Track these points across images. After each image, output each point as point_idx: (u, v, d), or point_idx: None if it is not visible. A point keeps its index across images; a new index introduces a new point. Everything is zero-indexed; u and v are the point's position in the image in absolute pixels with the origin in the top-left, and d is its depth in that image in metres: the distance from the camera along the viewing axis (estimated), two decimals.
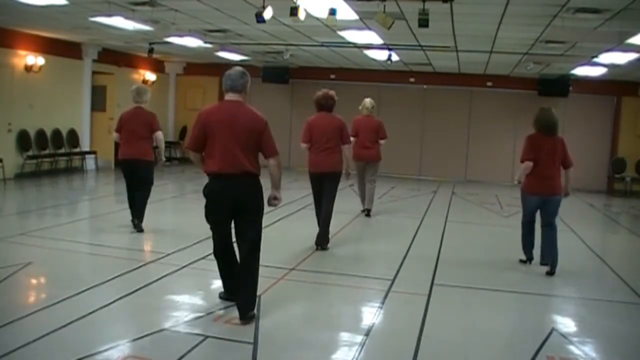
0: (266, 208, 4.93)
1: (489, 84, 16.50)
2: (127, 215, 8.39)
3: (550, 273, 6.70)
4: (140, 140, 7.77)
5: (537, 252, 7.06)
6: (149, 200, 8.15)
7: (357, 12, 8.24)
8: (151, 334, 4.36)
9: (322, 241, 7.34)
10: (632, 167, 15.60)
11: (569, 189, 6.90)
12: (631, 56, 10.30)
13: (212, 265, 5.39)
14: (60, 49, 13.45)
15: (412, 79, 16.87)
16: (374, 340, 4.53)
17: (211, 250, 5.05)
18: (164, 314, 4.87)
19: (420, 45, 11.37)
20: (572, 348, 4.55)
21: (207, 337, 4.37)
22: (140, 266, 6.23)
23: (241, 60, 15.16)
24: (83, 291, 5.22)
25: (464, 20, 8.54)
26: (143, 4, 8.51)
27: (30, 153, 12.75)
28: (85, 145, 14.56)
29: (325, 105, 7.41)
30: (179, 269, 6.14)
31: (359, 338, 4.52)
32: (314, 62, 15.86)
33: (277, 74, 16.70)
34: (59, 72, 13.51)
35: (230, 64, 16.71)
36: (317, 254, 7.21)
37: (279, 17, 8.23)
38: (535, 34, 9.33)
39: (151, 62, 16.64)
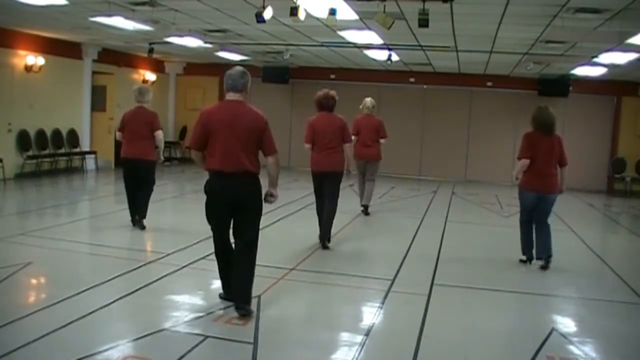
0: (266, 207, 4.95)
1: (489, 84, 16.50)
2: (127, 215, 8.41)
3: (544, 267, 6.84)
4: (142, 140, 7.83)
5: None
6: (149, 200, 8.24)
7: (357, 12, 8.24)
8: (151, 334, 4.35)
9: (325, 237, 7.45)
10: (632, 167, 15.60)
11: (563, 187, 7.02)
12: (631, 56, 10.30)
13: (212, 265, 5.40)
14: (60, 49, 13.45)
15: (412, 79, 16.87)
16: (374, 340, 4.53)
17: (211, 250, 5.08)
18: (164, 314, 4.87)
19: (420, 45, 11.37)
20: (572, 348, 4.55)
21: (207, 337, 4.37)
22: (140, 266, 6.22)
23: (241, 60, 15.16)
24: (83, 291, 5.22)
25: (464, 20, 8.54)
26: (143, 4, 8.51)
27: (30, 153, 12.75)
28: (85, 145, 14.56)
29: (326, 105, 7.49)
30: (179, 269, 6.14)
31: (359, 338, 4.52)
32: (314, 62, 15.85)
33: (277, 74, 16.70)
34: (59, 72, 13.51)
35: (230, 64, 16.69)
36: (317, 254, 7.21)
37: (279, 17, 8.23)
38: (535, 34, 9.33)
39: (151, 62, 16.64)
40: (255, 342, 4.29)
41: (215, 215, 4.86)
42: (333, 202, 7.49)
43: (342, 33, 10.34)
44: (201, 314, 4.85)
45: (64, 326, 4.38)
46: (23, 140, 12.54)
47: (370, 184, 9.97)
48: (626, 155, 15.67)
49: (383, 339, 4.63)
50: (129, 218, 8.23)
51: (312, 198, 7.96)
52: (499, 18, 8.24)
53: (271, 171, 4.95)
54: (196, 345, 4.19)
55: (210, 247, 5.41)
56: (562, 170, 6.92)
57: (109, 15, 9.18)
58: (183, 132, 18.14)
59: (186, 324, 4.63)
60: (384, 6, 7.28)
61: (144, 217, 8.02)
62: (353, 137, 8.66)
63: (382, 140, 9.89)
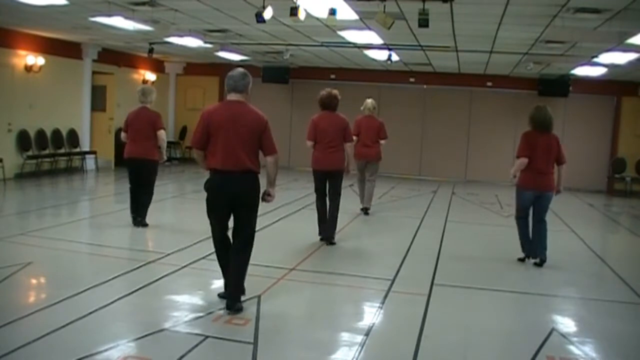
0: (266, 207, 4.97)
1: (489, 84, 16.50)
2: (127, 215, 8.42)
3: (539, 264, 6.96)
4: (145, 140, 7.94)
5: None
6: (151, 200, 8.34)
7: (357, 12, 8.23)
8: (151, 334, 4.35)
9: (329, 236, 7.60)
10: (632, 167, 15.60)
11: (561, 186, 7.10)
12: (631, 56, 10.30)
13: (212, 265, 5.40)
14: (60, 49, 13.45)
15: (412, 79, 16.87)
16: (374, 340, 4.53)
17: (211, 250, 5.14)
18: (164, 314, 4.87)
19: (420, 45, 11.37)
20: (572, 348, 4.55)
21: (207, 337, 4.37)
22: (140, 266, 6.22)
23: (241, 60, 15.16)
24: (83, 291, 5.22)
25: (464, 20, 8.54)
26: (143, 4, 8.51)
27: (30, 153, 12.75)
28: (85, 145, 14.55)
29: (329, 104, 7.65)
30: (179, 269, 6.14)
31: (359, 338, 4.52)
32: (314, 62, 15.85)
33: (277, 74, 16.70)
34: (59, 72, 13.51)
35: (230, 64, 16.74)
36: (317, 253, 7.21)
37: (279, 17, 8.23)
38: (535, 34, 9.33)
39: (151, 62, 16.64)
40: (255, 342, 4.29)
41: (216, 211, 4.97)
42: (336, 201, 7.67)
43: (342, 33, 10.34)
44: (201, 314, 4.85)
45: (64, 326, 4.38)
46: (23, 140, 12.54)
47: (371, 184, 10.04)
48: (626, 155, 15.67)
49: (383, 339, 4.63)
50: (130, 218, 8.27)
51: (312, 198, 7.98)
52: (499, 18, 8.24)
53: (270, 171, 5.05)
54: (196, 345, 4.19)
55: (210, 247, 5.43)
56: (560, 169, 7.02)
57: (109, 15, 9.18)
58: (183, 132, 18.14)
59: (186, 324, 4.63)
60: (384, 6, 7.29)
61: (144, 217, 8.15)
62: (354, 137, 8.72)
63: (382, 142, 9.98)
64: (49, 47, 13.08)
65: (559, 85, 15.36)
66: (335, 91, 7.73)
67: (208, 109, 5.02)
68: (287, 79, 16.93)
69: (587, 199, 14.23)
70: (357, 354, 4.24)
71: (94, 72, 14.76)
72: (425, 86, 17.01)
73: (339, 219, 7.81)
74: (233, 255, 5.01)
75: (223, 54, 14.16)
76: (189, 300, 5.29)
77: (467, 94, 16.84)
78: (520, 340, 4.71)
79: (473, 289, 6.09)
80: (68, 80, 13.94)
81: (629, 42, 9.04)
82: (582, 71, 13.32)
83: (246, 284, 5.31)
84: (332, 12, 7.45)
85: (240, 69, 5.01)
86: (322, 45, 12.18)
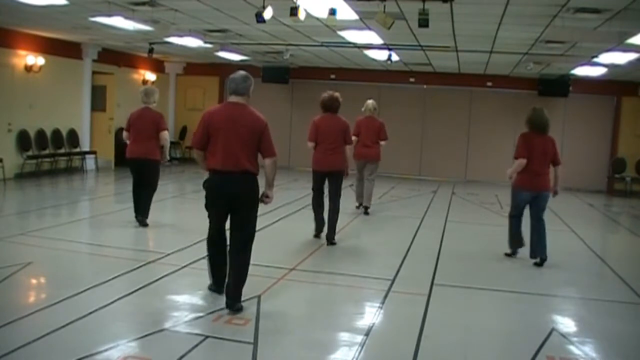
0: (266, 207, 5.00)
1: (489, 84, 16.50)
2: (127, 215, 8.44)
3: (540, 264, 7.02)
4: (147, 140, 8.00)
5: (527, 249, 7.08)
6: (152, 200, 8.39)
7: (357, 12, 8.23)
8: (151, 334, 4.36)
9: (330, 236, 7.67)
10: (632, 167, 15.59)
11: (557, 187, 7.19)
12: (631, 56, 10.30)
13: None
14: (60, 49, 13.45)
15: (412, 79, 16.87)
16: (374, 340, 4.53)
17: None
18: (164, 314, 4.87)
19: (420, 45, 11.37)
20: (572, 348, 4.56)
21: (207, 337, 4.37)
22: (140, 266, 6.23)
23: (241, 60, 15.16)
24: (83, 291, 5.22)
25: (464, 20, 8.54)
26: (143, 4, 8.51)
27: (30, 153, 12.75)
28: (85, 145, 14.55)
29: (330, 107, 7.76)
30: (179, 269, 6.14)
31: (359, 338, 4.52)
32: (314, 62, 15.85)
33: (277, 74, 16.70)
34: (59, 72, 13.51)
35: (230, 64, 16.76)
36: (317, 253, 7.22)
37: (279, 17, 8.23)
38: (535, 34, 9.33)
39: (151, 62, 16.63)
40: (255, 342, 4.30)
41: (213, 208, 5.06)
42: (336, 202, 7.75)
43: (342, 33, 10.34)
44: (201, 314, 4.86)
45: (64, 326, 4.38)
46: (23, 140, 12.54)
47: (370, 184, 10.12)
48: (626, 155, 15.67)
49: (383, 339, 4.63)
50: (130, 218, 8.32)
51: (313, 194, 8.02)
52: (499, 18, 8.24)
53: (268, 173, 5.10)
54: (196, 345, 4.20)
55: None
56: (556, 170, 7.14)
57: (109, 15, 9.18)
58: (183, 132, 18.14)
59: (186, 324, 4.63)
60: (384, 6, 7.29)
61: (147, 216, 8.20)
62: (354, 138, 8.93)
63: (382, 142, 10.09)
64: (49, 47, 13.08)
65: (559, 85, 15.36)
66: (336, 94, 7.84)
67: (209, 110, 5.12)
68: (287, 79, 16.93)
69: (587, 199, 14.23)
70: (357, 354, 4.24)
71: (94, 72, 14.76)
72: (425, 86, 17.01)
73: (339, 219, 7.84)
74: (233, 255, 5.03)
75: (223, 54, 14.16)
76: (189, 300, 5.29)
77: (467, 94, 16.84)
78: (520, 340, 4.71)
79: (473, 289, 6.09)
80: (68, 80, 13.94)
81: (629, 42, 9.04)
82: (582, 71, 13.32)
83: (246, 284, 5.32)
84: (332, 12, 7.45)
85: (242, 72, 5.12)
86: (322, 45, 12.19)
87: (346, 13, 8.07)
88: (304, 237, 7.92)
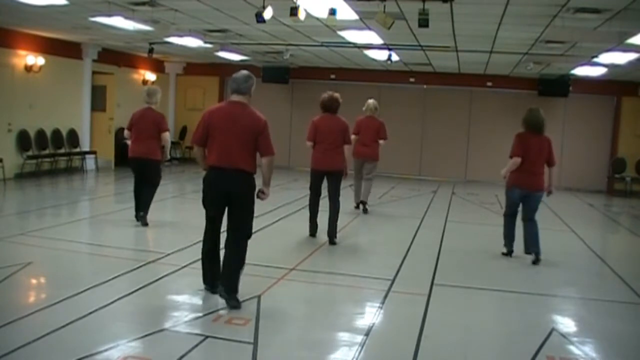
0: (266, 207, 5.00)
1: (489, 84, 16.49)
2: (127, 214, 8.45)
3: (536, 262, 7.10)
4: (148, 140, 8.09)
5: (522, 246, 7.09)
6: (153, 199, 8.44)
7: (357, 12, 8.23)
8: (151, 334, 4.36)
9: (331, 235, 7.71)
10: (632, 167, 15.59)
11: (552, 187, 7.26)
12: (631, 56, 10.30)
13: None
14: (60, 49, 13.45)
15: (412, 79, 16.87)
16: (374, 340, 4.53)
17: None
18: (164, 314, 4.87)
19: (420, 45, 11.37)
20: (572, 348, 4.56)
21: (207, 337, 4.37)
22: (140, 266, 6.22)
23: (241, 60, 15.16)
24: (83, 291, 5.22)
25: (464, 20, 8.54)
26: (143, 4, 8.51)
27: (30, 153, 12.75)
28: (85, 145, 14.55)
29: (330, 107, 7.82)
30: (179, 269, 6.14)
31: (359, 338, 4.52)
32: (314, 62, 15.85)
33: (277, 74, 16.70)
34: (59, 72, 13.51)
35: (230, 64, 16.73)
36: (317, 253, 7.22)
37: (279, 17, 8.23)
38: (535, 34, 9.33)
39: (151, 62, 16.63)
40: (255, 342, 4.29)
41: (209, 203, 5.18)
42: (336, 201, 7.82)
43: (342, 33, 10.34)
44: (201, 314, 4.86)
45: (64, 326, 4.38)
46: (23, 140, 12.54)
47: (369, 182, 10.28)
48: (626, 155, 15.66)
49: (383, 339, 4.63)
50: (130, 217, 8.35)
51: (310, 193, 8.06)
52: (499, 18, 8.24)
53: (264, 172, 5.19)
54: (196, 345, 4.20)
55: None
56: (551, 170, 7.22)
57: (109, 15, 9.18)
58: (183, 132, 18.14)
59: (186, 324, 4.63)
60: (384, 6, 7.29)
61: (147, 212, 8.26)
62: (353, 137, 9.06)
63: (381, 142, 10.18)
64: (49, 47, 13.08)
65: (559, 85, 15.36)
66: (336, 94, 7.90)
67: (210, 109, 5.24)
68: (287, 79, 16.93)
69: (587, 199, 14.23)
70: (357, 354, 4.24)
71: (94, 72, 14.76)
72: (425, 86, 17.01)
73: (339, 219, 7.85)
74: (227, 249, 5.12)
75: (223, 54, 14.16)
76: (189, 300, 5.29)
77: (467, 94, 16.84)
78: (520, 340, 4.71)
79: (473, 289, 6.09)
80: (68, 80, 13.94)
81: (629, 42, 9.04)
82: (582, 71, 13.32)
83: (246, 284, 5.33)
84: (332, 12, 7.45)
85: (245, 72, 5.22)
86: (322, 45, 12.18)
87: (346, 13, 8.07)
88: (303, 237, 7.93)
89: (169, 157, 8.57)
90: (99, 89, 15.29)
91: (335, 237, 7.74)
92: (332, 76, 16.78)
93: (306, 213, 8.16)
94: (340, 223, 7.99)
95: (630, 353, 4.66)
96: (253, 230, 5.24)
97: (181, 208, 10.75)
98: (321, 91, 8.19)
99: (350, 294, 5.79)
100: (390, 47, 11.60)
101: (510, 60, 12.49)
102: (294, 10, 7.20)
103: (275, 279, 5.91)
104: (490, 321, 5.21)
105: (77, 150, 14.26)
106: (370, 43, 11.33)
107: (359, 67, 16.19)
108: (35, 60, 12.68)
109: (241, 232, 5.10)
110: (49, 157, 13.28)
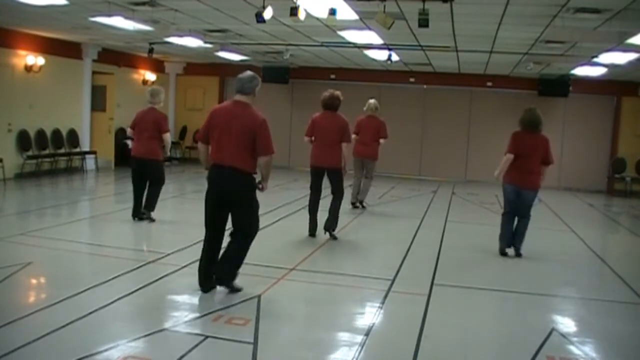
0: (266, 207, 5.05)
1: (489, 84, 16.49)
2: (127, 214, 8.45)
3: (518, 255, 7.40)
4: (149, 140, 8.24)
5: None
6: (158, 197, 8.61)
7: (357, 12, 8.23)
8: (151, 334, 4.36)
9: (330, 228, 7.89)
10: (632, 167, 15.59)
11: (541, 182, 7.41)
12: (631, 56, 10.29)
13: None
14: (60, 49, 13.45)
15: (412, 79, 16.87)
16: (374, 340, 4.53)
17: None
18: (164, 314, 4.87)
19: (420, 45, 11.36)
20: (572, 348, 4.55)
21: (207, 337, 4.37)
22: (140, 266, 6.22)
23: (241, 60, 15.16)
24: (83, 291, 5.22)
25: (464, 20, 8.54)
26: (143, 4, 8.51)
27: (30, 153, 12.75)
28: (85, 145, 14.55)
29: (331, 105, 7.91)
30: (179, 269, 6.14)
31: (359, 338, 4.52)
32: (314, 62, 15.85)
33: (277, 74, 16.70)
34: (59, 72, 13.51)
35: (230, 64, 16.71)
36: (317, 253, 7.22)
37: (279, 17, 8.23)
38: (535, 34, 9.33)
39: (151, 62, 16.63)
40: (255, 342, 4.29)
41: (209, 201, 5.26)
42: (337, 199, 7.93)
43: (342, 33, 10.34)
44: (201, 314, 4.86)
45: (64, 326, 4.38)
46: (23, 140, 12.54)
47: (368, 181, 10.47)
48: (626, 155, 15.66)
49: (383, 339, 4.63)
50: (130, 216, 8.42)
51: (310, 190, 8.10)
52: (499, 18, 8.24)
53: (262, 171, 5.32)
54: (196, 345, 4.20)
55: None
56: (545, 169, 7.33)
57: (109, 15, 9.18)
58: (183, 132, 18.14)
59: (186, 324, 4.63)
60: (384, 6, 7.29)
61: (152, 210, 8.44)
62: (354, 136, 9.05)
63: (382, 141, 10.32)
64: (49, 47, 13.08)
65: (559, 85, 15.35)
66: (337, 92, 7.98)
67: (215, 107, 5.47)
68: (287, 79, 16.93)
69: (587, 199, 14.23)
70: (357, 354, 4.24)
71: (94, 72, 14.76)
72: (425, 86, 17.01)
73: (339, 219, 7.87)
74: (228, 245, 5.33)
75: (223, 54, 14.16)
76: (189, 300, 5.29)
77: (467, 94, 16.84)
78: (520, 340, 4.71)
79: (473, 289, 6.09)
80: (68, 80, 13.94)
81: (629, 42, 9.04)
82: (582, 71, 13.32)
83: (246, 284, 5.35)
84: (332, 12, 7.45)
85: (250, 72, 5.35)
86: (322, 45, 12.18)
87: (346, 13, 8.07)
88: (303, 237, 7.93)
89: (168, 153, 8.69)
90: (99, 89, 15.29)
91: (333, 230, 7.85)
92: (332, 76, 16.77)
93: (306, 213, 8.16)
94: (340, 223, 8.00)
95: (630, 353, 4.66)
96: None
97: (181, 208, 10.74)
98: (321, 91, 8.20)
99: (350, 294, 5.79)
100: (390, 47, 11.60)
101: (510, 60, 12.49)
102: (294, 10, 7.20)
103: (275, 279, 5.91)
104: (490, 321, 5.21)
105: (77, 150, 14.25)
106: (370, 43, 11.33)
107: (359, 67, 16.19)
108: (35, 60, 12.68)
109: (243, 231, 5.23)
110: (49, 157, 13.27)
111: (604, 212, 12.96)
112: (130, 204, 8.66)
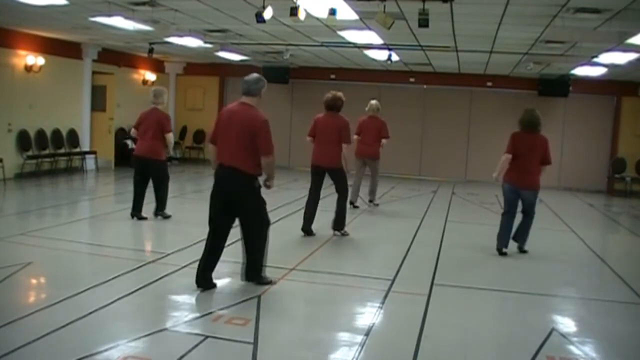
0: (266, 207, 5.29)
1: (489, 84, 16.49)
2: (127, 214, 8.45)
3: (522, 251, 7.59)
4: (152, 140, 8.37)
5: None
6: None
7: (357, 12, 8.24)
8: (151, 334, 4.36)
9: (337, 227, 8.10)
10: (632, 167, 15.59)
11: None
12: (631, 56, 10.29)
13: None
14: (60, 49, 13.45)
15: (412, 79, 16.87)
16: (374, 340, 4.53)
17: None
18: (164, 314, 4.87)
19: (420, 45, 11.37)
20: (572, 348, 4.55)
21: (207, 337, 4.37)
22: (140, 266, 6.22)
23: (241, 60, 15.16)
24: (83, 291, 5.22)
25: (464, 20, 8.54)
26: (143, 4, 8.51)
27: (30, 153, 12.75)
28: (85, 145, 14.55)
29: (333, 106, 8.01)
30: (179, 269, 6.14)
31: (359, 338, 4.52)
32: (314, 62, 15.85)
33: (277, 74, 16.68)
34: (59, 72, 13.51)
35: (230, 64, 16.70)
36: (317, 253, 7.22)
37: (279, 17, 8.23)
38: (535, 34, 9.33)
39: (151, 62, 16.63)
40: (255, 342, 4.29)
41: (213, 197, 5.38)
42: (341, 197, 8.05)
43: (342, 33, 10.34)
44: (201, 314, 4.86)
45: (64, 326, 4.38)
46: (23, 140, 12.54)
47: (374, 181, 10.73)
48: (626, 155, 15.66)
49: (383, 339, 4.63)
50: (129, 216, 8.49)
51: (309, 189, 8.15)
52: (499, 18, 8.24)
53: (265, 171, 5.38)
54: (196, 345, 4.20)
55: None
56: (544, 169, 7.39)
57: (109, 15, 9.18)
58: (183, 132, 18.13)
59: (186, 324, 4.63)
60: (384, 6, 7.29)
61: (164, 209, 8.68)
62: (355, 137, 9.12)
63: (384, 141, 10.47)
64: (49, 47, 13.08)
65: (559, 85, 15.36)
66: (339, 93, 8.09)
67: (224, 108, 5.66)
68: (287, 79, 16.93)
69: (587, 199, 14.23)
70: (357, 354, 4.24)
71: (94, 72, 14.76)
72: (425, 86, 17.01)
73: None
74: (245, 242, 5.58)
75: (223, 54, 14.16)
76: (189, 300, 5.29)
77: (467, 94, 16.84)
78: (520, 340, 4.71)
79: (473, 289, 6.09)
80: (68, 80, 13.94)
81: (629, 42, 9.04)
82: (582, 71, 13.32)
83: (246, 284, 5.38)
84: (332, 12, 7.46)
85: (256, 74, 5.45)
86: (322, 45, 12.18)
87: (346, 13, 8.07)
88: (303, 237, 7.93)
89: (170, 153, 8.81)
90: (99, 89, 15.29)
91: (342, 229, 8.04)
92: (332, 76, 16.78)
93: None
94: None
95: (630, 353, 4.66)
96: None
97: (181, 208, 10.72)
98: (321, 91, 8.30)
99: (350, 294, 5.79)
100: (390, 47, 11.60)
101: (510, 60, 12.49)
102: (294, 10, 7.20)
103: (275, 279, 5.91)
104: (490, 321, 5.21)
105: (77, 150, 14.26)
106: (370, 43, 11.33)
107: (359, 67, 16.19)
108: (35, 60, 12.68)
109: (251, 230, 5.43)
110: (49, 157, 13.28)
111: (604, 212, 12.96)
112: (129, 204, 8.68)
